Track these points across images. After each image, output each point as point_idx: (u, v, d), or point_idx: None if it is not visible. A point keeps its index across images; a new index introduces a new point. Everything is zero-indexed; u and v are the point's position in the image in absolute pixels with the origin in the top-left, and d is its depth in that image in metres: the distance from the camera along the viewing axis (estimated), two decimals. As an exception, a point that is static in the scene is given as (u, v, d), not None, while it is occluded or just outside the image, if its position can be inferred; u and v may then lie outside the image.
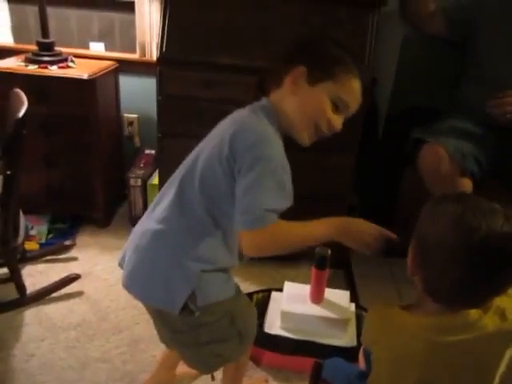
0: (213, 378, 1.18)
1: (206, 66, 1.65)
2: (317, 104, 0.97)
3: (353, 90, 0.98)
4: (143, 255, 0.99)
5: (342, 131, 1.74)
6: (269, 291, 1.61)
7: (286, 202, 0.91)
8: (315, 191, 1.78)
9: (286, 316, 1.44)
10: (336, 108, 0.97)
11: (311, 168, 1.78)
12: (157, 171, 2.02)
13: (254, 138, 0.90)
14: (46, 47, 1.92)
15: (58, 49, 1.97)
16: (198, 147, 1.03)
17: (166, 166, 1.83)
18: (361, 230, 0.94)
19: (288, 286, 1.53)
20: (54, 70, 1.86)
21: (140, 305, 1.05)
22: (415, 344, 0.76)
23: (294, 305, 1.45)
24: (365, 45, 1.67)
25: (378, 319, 0.84)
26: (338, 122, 0.99)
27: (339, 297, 1.49)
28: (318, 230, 0.95)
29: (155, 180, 2.05)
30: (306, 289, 1.48)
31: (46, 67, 1.87)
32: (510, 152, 1.63)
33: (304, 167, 1.83)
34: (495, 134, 1.65)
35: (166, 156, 1.81)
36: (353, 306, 1.51)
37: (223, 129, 0.97)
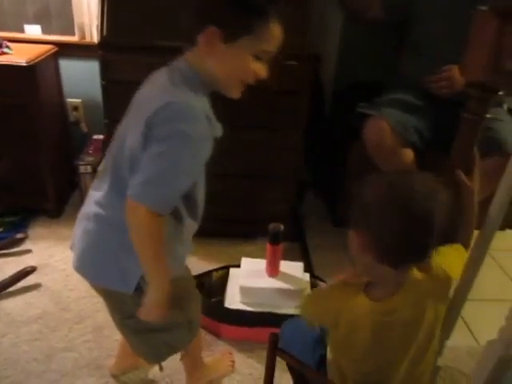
0: (161, 369, 1.20)
1: (149, 49, 1.62)
2: (238, 62, 0.91)
3: (274, 38, 0.91)
4: (91, 238, 0.99)
5: (290, 109, 1.77)
6: (227, 268, 1.66)
7: (188, 183, 0.91)
8: (265, 169, 1.82)
9: (245, 291, 1.50)
10: (258, 58, 0.92)
11: (260, 146, 1.81)
12: (107, 157, 2.00)
13: (174, 110, 0.85)
14: (-23, 33, 1.83)
15: (-10, 34, 1.87)
16: (124, 123, 0.98)
17: (116, 152, 1.81)
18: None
19: (245, 261, 1.59)
20: (-12, 58, 1.78)
21: (101, 293, 1.07)
22: (364, 322, 0.85)
23: (251, 279, 1.51)
24: (307, 21, 1.69)
25: (335, 299, 0.90)
26: (262, 69, 0.94)
27: (294, 269, 1.56)
28: (162, 279, 0.94)
29: (106, 166, 2.02)
30: (262, 263, 1.54)
31: (-21, 55, 1.78)
32: (450, 123, 1.73)
33: (253, 145, 1.86)
34: (436, 107, 1.74)
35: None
36: (307, 276, 1.59)
37: (144, 103, 0.92)
